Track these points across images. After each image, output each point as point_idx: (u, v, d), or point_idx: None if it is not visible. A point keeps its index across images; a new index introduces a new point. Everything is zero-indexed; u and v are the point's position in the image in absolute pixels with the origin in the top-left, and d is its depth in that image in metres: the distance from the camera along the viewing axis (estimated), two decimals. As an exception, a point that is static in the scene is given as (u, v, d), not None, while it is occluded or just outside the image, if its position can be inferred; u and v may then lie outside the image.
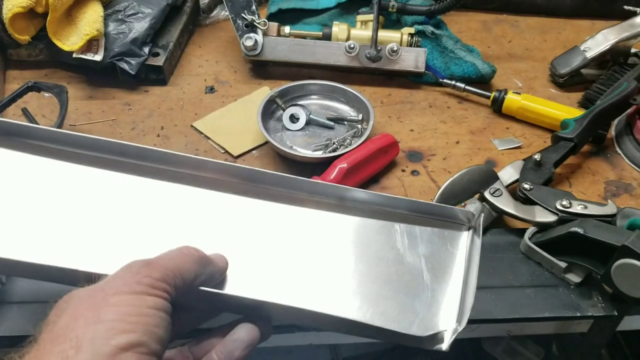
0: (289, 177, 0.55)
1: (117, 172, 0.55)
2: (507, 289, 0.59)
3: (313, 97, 0.80)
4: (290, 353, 1.19)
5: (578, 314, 0.58)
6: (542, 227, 0.63)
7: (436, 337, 0.47)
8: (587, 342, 0.63)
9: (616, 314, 0.58)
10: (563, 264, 0.60)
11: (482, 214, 0.55)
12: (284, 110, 0.76)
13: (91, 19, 0.81)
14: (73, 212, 0.52)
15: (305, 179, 0.56)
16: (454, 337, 0.47)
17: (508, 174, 0.68)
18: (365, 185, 0.71)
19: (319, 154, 0.72)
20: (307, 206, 0.56)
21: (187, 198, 0.55)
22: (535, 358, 0.71)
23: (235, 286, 0.47)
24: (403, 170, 0.73)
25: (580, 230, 0.57)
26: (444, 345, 0.47)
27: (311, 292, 0.50)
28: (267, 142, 0.74)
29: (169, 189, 0.55)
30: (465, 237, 0.56)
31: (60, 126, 0.72)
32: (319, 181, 0.57)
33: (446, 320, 0.49)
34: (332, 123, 0.76)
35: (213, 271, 0.44)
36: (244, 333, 0.43)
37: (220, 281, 0.47)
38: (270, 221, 0.55)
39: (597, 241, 0.56)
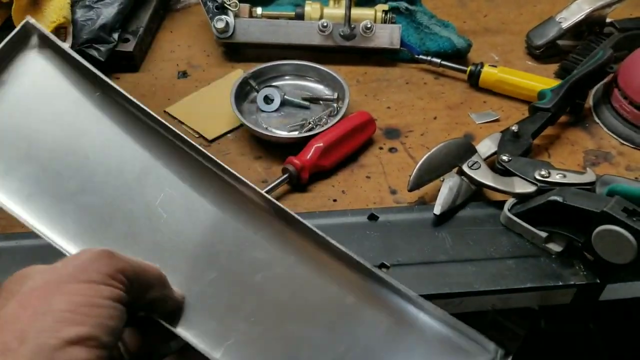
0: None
1: None
2: (488, 261, 0.59)
3: (287, 77, 0.78)
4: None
5: (560, 283, 0.57)
6: (522, 198, 0.62)
7: None
8: (571, 313, 0.63)
9: (598, 281, 0.58)
10: (543, 234, 0.59)
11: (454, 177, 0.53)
12: (257, 92, 0.75)
13: (58, 6, 0.79)
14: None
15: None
16: None
17: (486, 146, 0.68)
18: (343, 163, 0.70)
19: (294, 134, 0.71)
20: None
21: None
22: (520, 331, 0.71)
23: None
24: (381, 148, 0.72)
25: (559, 199, 0.57)
26: None
27: None
28: (242, 125, 0.72)
29: None
30: None
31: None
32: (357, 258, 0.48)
33: None
34: (307, 103, 0.75)
35: (169, 295, 0.41)
36: None
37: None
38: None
39: (576, 209, 0.56)
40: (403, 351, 0.47)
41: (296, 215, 0.48)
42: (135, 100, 0.50)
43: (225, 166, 0.48)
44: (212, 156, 0.49)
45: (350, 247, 0.49)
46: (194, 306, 0.44)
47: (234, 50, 0.85)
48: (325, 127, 0.69)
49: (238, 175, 0.48)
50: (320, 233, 0.48)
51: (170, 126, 0.49)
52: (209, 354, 0.42)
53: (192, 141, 0.49)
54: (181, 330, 0.42)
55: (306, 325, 0.46)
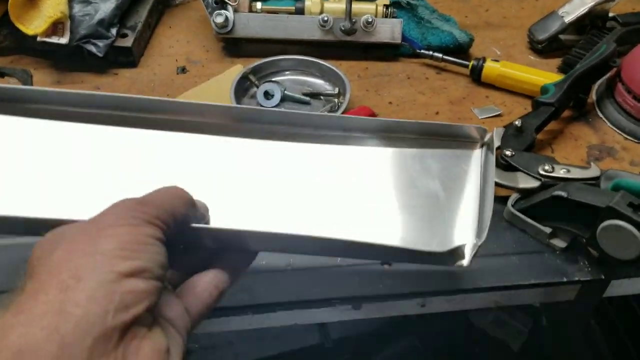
0: (287, 112, 0.54)
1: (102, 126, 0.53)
2: (491, 257, 0.58)
3: (287, 72, 0.77)
4: (277, 338, 1.18)
5: (564, 279, 0.56)
6: (525, 193, 0.61)
7: (456, 253, 0.46)
8: (574, 310, 0.62)
9: (603, 277, 0.57)
10: (548, 230, 0.58)
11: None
12: (257, 87, 0.74)
13: (55, 1, 0.77)
14: (68, 168, 0.51)
15: (303, 112, 0.54)
16: (474, 252, 0.46)
17: (489, 141, 0.67)
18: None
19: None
20: (311, 142, 0.54)
21: (181, 145, 0.53)
22: (523, 328, 0.70)
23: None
24: (382, 143, 0.71)
25: (563, 194, 0.56)
26: (465, 261, 0.46)
27: (324, 221, 0.49)
28: (242, 121, 0.72)
29: (164, 138, 0.53)
30: (478, 154, 0.54)
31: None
32: (317, 113, 0.54)
33: (465, 237, 0.48)
34: (307, 98, 0.74)
35: (197, 216, 0.42)
36: (209, 278, 0.41)
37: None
38: (272, 160, 0.53)
39: (581, 204, 0.55)
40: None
41: None
42: None
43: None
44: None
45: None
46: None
47: (233, 46, 0.85)
48: (326, 122, 0.68)
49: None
50: None
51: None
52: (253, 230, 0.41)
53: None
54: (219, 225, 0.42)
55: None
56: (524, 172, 0.62)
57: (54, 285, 0.31)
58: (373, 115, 0.71)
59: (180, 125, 0.54)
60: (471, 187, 0.52)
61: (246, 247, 0.44)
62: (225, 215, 0.46)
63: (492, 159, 0.52)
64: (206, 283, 0.40)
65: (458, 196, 0.52)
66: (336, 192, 0.52)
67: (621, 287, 0.63)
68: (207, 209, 0.45)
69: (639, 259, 0.53)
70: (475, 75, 0.78)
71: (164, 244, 0.36)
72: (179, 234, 0.39)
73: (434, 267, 0.49)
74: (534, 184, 0.61)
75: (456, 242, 0.47)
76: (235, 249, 0.44)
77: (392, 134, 0.54)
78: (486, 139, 0.54)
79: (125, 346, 0.31)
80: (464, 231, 0.49)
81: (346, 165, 0.53)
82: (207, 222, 0.44)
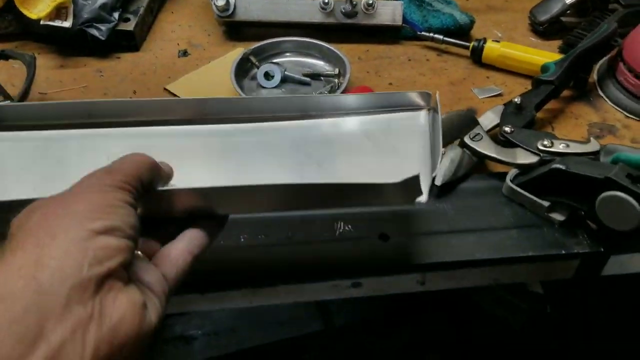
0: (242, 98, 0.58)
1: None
2: (489, 231, 0.58)
3: (288, 54, 0.78)
4: (281, 324, 1.18)
5: (563, 252, 0.56)
6: (524, 168, 0.61)
7: (412, 188, 0.44)
8: (574, 288, 0.62)
9: (602, 250, 0.57)
10: (546, 203, 0.58)
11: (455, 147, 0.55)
12: (258, 68, 0.74)
13: (58, -14, 0.78)
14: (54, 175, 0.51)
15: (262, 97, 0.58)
16: (429, 187, 0.46)
17: (488, 119, 0.67)
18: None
19: (295, 109, 0.70)
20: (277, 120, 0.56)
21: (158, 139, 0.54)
22: (523, 306, 0.70)
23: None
24: (382, 123, 0.71)
25: (562, 167, 0.56)
26: (423, 197, 0.45)
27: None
28: (242, 101, 0.72)
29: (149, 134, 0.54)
30: (425, 115, 0.57)
31: (26, 93, 0.71)
32: (277, 97, 0.57)
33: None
34: (308, 79, 0.74)
35: (164, 177, 0.44)
36: (188, 237, 0.43)
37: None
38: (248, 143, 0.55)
39: (579, 176, 0.55)
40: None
41: None
42: None
43: None
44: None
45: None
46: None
47: (234, 29, 0.85)
48: (326, 101, 0.69)
49: None
50: None
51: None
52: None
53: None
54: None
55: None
56: (523, 148, 0.62)
57: (30, 243, 0.33)
58: (373, 95, 0.71)
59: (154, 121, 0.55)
60: (423, 144, 0.54)
61: (214, 210, 0.45)
62: None
63: (439, 118, 0.53)
64: (179, 250, 0.42)
65: (411, 152, 0.53)
66: (298, 167, 0.53)
67: (621, 265, 0.63)
68: (172, 171, 0.46)
69: (637, 230, 0.53)
70: (476, 57, 0.78)
71: (133, 207, 0.37)
72: (149, 199, 0.40)
73: (432, 239, 0.49)
74: (533, 159, 0.61)
75: (415, 173, 0.44)
76: (205, 214, 0.45)
77: (342, 110, 0.56)
78: (432, 103, 0.56)
79: (103, 297, 0.33)
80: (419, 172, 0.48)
81: (300, 141, 0.55)
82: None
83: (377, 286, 0.62)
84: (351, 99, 0.56)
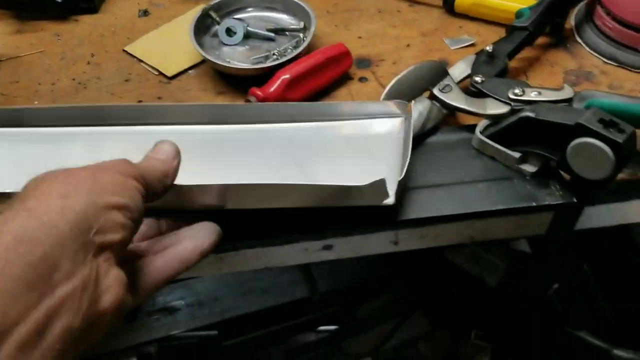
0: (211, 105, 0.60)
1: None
2: (458, 185, 0.56)
3: (251, 9, 0.74)
4: (265, 292, 1.17)
5: (534, 204, 0.54)
6: (495, 119, 0.58)
7: (379, 190, 0.49)
8: (549, 241, 0.60)
9: (575, 200, 0.55)
10: (517, 154, 0.56)
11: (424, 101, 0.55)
12: (219, 25, 0.71)
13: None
14: None
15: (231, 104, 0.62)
16: (397, 188, 0.50)
17: (460, 69, 0.64)
18: (315, 97, 0.66)
19: (259, 66, 0.67)
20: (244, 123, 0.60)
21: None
22: (499, 262, 0.68)
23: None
24: (351, 78, 0.68)
25: (532, 115, 0.53)
26: (390, 199, 0.50)
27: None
28: (204, 61, 0.69)
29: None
30: (399, 122, 0.59)
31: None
32: (242, 105, 0.60)
33: (389, 177, 0.50)
34: (272, 34, 0.71)
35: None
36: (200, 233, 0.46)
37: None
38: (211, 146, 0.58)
39: (550, 123, 0.52)
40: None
41: None
42: None
43: None
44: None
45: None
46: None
47: (198, -14, 0.81)
48: (291, 56, 0.65)
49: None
50: None
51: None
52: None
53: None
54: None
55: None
56: (494, 98, 0.59)
57: (56, 191, 0.34)
58: (346, 52, 0.67)
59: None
60: (397, 149, 0.56)
61: (224, 206, 0.49)
62: None
63: (411, 123, 0.56)
64: (187, 251, 0.44)
65: (384, 157, 0.56)
66: (280, 168, 0.56)
67: (596, 218, 0.61)
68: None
69: (610, 179, 0.51)
70: (448, 6, 0.74)
71: (143, 197, 0.40)
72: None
73: None
74: (504, 109, 0.58)
75: (381, 178, 0.49)
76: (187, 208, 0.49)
77: (319, 117, 0.60)
78: (408, 112, 0.58)
79: (99, 263, 0.34)
80: (387, 175, 0.52)
81: (294, 142, 0.59)
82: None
83: (348, 248, 0.60)
84: (335, 108, 0.60)
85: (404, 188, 0.52)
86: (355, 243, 0.59)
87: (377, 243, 0.60)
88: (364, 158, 0.57)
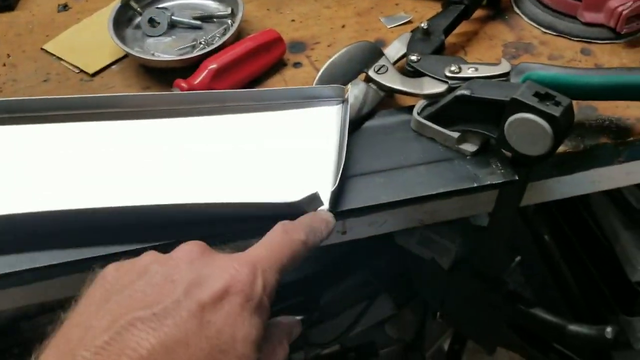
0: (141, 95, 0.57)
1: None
2: (397, 170, 0.53)
3: (176, -4, 0.70)
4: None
5: (475, 185, 0.52)
6: (432, 98, 0.56)
7: (314, 201, 0.48)
8: (496, 219, 0.58)
9: (517, 178, 0.53)
10: (455, 134, 0.54)
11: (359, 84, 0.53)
12: (141, 15, 0.67)
13: None
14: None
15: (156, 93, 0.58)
16: (331, 198, 0.49)
17: (395, 49, 0.61)
18: (247, 85, 0.63)
19: (184, 56, 0.63)
20: (178, 116, 0.57)
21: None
22: (450, 244, 0.67)
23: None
24: (285, 64, 0.65)
25: (467, 92, 0.51)
26: (325, 207, 0.49)
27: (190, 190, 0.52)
28: (128, 55, 0.65)
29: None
30: (335, 110, 0.57)
31: None
32: (169, 94, 0.57)
33: (324, 186, 0.50)
34: (198, 22, 0.67)
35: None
36: None
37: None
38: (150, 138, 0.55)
39: (485, 100, 0.50)
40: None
41: None
42: None
43: None
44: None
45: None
46: None
47: (120, -24, 0.76)
48: (217, 44, 0.62)
49: None
50: None
51: None
52: None
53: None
54: None
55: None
56: (431, 77, 0.57)
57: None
58: (278, 38, 0.64)
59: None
60: (335, 139, 0.55)
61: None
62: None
63: (347, 112, 0.54)
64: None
65: (323, 150, 0.54)
66: (213, 161, 0.54)
67: (539, 194, 0.60)
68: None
69: (550, 154, 0.49)
70: (383, -18, 0.72)
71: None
72: None
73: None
74: (441, 87, 0.56)
75: (314, 192, 0.47)
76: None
77: (250, 103, 0.57)
78: (345, 96, 0.56)
79: None
80: (325, 180, 0.52)
81: (219, 135, 0.56)
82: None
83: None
84: (267, 94, 0.57)
85: (337, 194, 0.50)
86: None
87: (323, 234, 0.57)
88: (299, 156, 0.54)
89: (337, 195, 0.50)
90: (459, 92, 0.52)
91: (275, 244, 0.39)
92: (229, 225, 0.50)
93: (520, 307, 0.64)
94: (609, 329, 0.58)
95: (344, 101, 0.56)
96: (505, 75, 0.55)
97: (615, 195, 0.99)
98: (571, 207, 1.08)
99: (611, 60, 0.63)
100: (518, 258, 0.83)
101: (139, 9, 0.67)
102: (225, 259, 0.36)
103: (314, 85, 0.58)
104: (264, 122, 0.57)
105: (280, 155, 0.54)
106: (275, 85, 0.63)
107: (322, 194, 0.49)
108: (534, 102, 0.47)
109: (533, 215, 1.19)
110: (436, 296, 0.71)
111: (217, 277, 0.34)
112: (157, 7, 0.67)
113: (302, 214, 0.47)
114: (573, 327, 0.61)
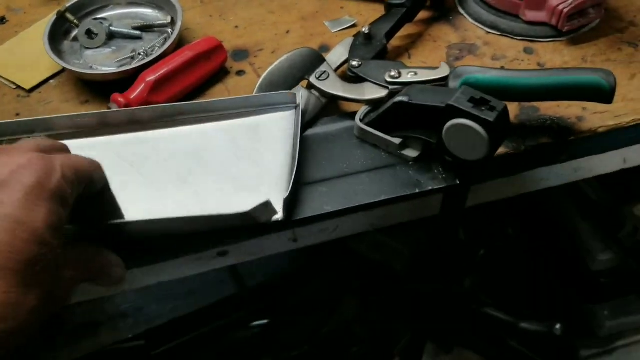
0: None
1: None
2: (340, 179, 0.53)
3: (114, 6, 0.68)
4: (191, 294, 1.13)
5: (417, 191, 0.52)
6: (374, 104, 0.56)
7: (268, 210, 0.48)
8: (442, 222, 0.58)
9: (459, 182, 0.53)
10: (397, 140, 0.53)
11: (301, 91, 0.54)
12: (78, 27, 0.65)
13: None
14: None
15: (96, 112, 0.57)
16: (284, 205, 0.49)
17: (337, 54, 0.61)
18: (187, 97, 0.62)
19: (122, 69, 0.62)
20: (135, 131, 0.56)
21: None
22: (402, 247, 0.67)
23: None
24: (227, 73, 0.64)
25: (404, 99, 0.51)
26: (279, 216, 0.49)
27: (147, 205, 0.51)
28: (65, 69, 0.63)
29: None
30: (289, 116, 0.56)
31: None
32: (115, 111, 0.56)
33: (277, 194, 0.50)
34: (138, 32, 0.66)
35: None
36: None
37: None
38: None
39: (423, 107, 0.50)
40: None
41: None
42: None
43: None
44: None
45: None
46: None
47: (59, -15, 0.74)
48: (156, 55, 0.61)
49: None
50: None
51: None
52: None
53: None
54: None
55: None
56: (372, 82, 0.56)
57: None
58: (219, 47, 0.63)
59: None
60: (286, 146, 0.54)
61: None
62: None
63: (300, 117, 0.54)
64: None
65: (275, 157, 0.54)
66: (164, 175, 0.53)
67: (483, 195, 0.60)
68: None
69: (488, 158, 0.49)
70: (327, -15, 0.71)
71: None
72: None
73: None
74: (382, 93, 0.56)
75: (265, 200, 0.48)
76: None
77: (201, 114, 0.57)
78: (297, 102, 0.56)
79: None
80: (278, 188, 0.52)
81: (168, 148, 0.55)
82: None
83: (245, 251, 0.56)
84: (218, 104, 0.57)
85: (290, 201, 0.50)
86: (251, 247, 0.56)
87: (274, 243, 0.57)
88: (252, 164, 0.54)
89: (290, 203, 0.50)
90: (397, 99, 0.51)
91: (73, 156, 0.44)
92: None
93: (474, 307, 0.64)
94: (558, 326, 0.58)
95: (296, 107, 0.56)
96: (444, 79, 0.54)
97: (572, 188, 1.00)
98: (532, 201, 1.09)
99: (554, 58, 0.63)
100: (482, 251, 0.83)
101: (75, 21, 0.65)
102: (29, 153, 0.40)
103: (254, 93, 0.57)
104: (215, 132, 0.56)
105: (233, 164, 0.54)
106: (217, 94, 0.62)
107: (275, 202, 0.48)
108: (468, 107, 0.47)
109: (497, 209, 1.20)
110: (394, 298, 0.71)
111: (9, 163, 0.38)
112: (95, 18, 0.66)
113: (256, 223, 0.48)
114: (524, 325, 0.61)
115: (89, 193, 0.45)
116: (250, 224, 0.49)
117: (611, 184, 0.97)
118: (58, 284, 0.40)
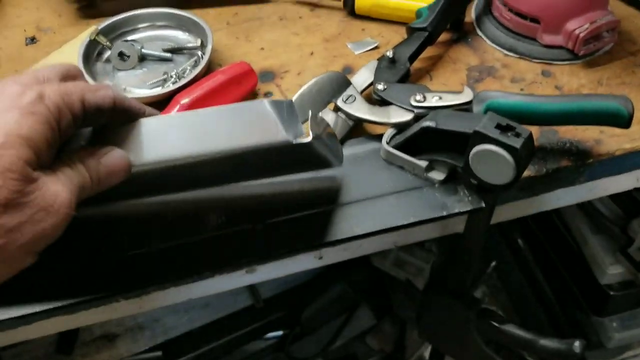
0: None
1: None
2: (368, 201, 0.55)
3: (145, 29, 0.70)
4: (207, 306, 1.14)
5: (444, 213, 0.54)
6: (400, 127, 0.58)
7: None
8: (466, 241, 0.60)
9: (484, 205, 0.55)
10: (424, 163, 0.55)
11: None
12: (110, 49, 0.67)
13: None
14: None
15: None
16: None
17: (362, 77, 0.63)
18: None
19: (156, 91, 0.64)
20: None
21: None
22: (424, 264, 0.68)
23: None
24: (256, 95, 0.66)
25: (431, 124, 0.53)
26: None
27: None
28: (98, 89, 0.65)
29: None
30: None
31: None
32: None
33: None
34: (169, 55, 0.68)
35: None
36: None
37: None
38: None
39: (449, 132, 0.52)
40: None
41: None
42: None
43: None
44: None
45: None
46: None
47: (88, 6, 0.76)
48: (189, 78, 0.63)
49: None
50: None
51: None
52: None
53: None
54: None
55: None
56: (397, 106, 0.58)
57: None
58: (250, 71, 0.64)
59: None
60: None
61: None
62: None
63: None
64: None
65: None
66: None
67: (505, 214, 0.62)
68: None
69: (513, 182, 0.51)
70: (349, 8, 0.73)
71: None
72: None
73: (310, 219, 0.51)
74: (408, 116, 0.57)
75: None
76: None
77: None
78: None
79: None
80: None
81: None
82: None
83: (272, 269, 0.58)
84: None
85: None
86: (278, 265, 0.58)
87: (301, 261, 0.58)
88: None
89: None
90: (424, 124, 0.53)
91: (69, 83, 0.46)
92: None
93: (493, 324, 0.66)
94: (577, 344, 0.60)
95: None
96: (468, 103, 0.56)
97: (583, 203, 1.02)
98: (543, 214, 1.11)
99: (571, 81, 0.65)
100: (493, 263, 0.85)
101: (107, 43, 0.67)
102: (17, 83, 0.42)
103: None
104: None
105: None
106: (246, 116, 0.64)
107: None
108: (495, 134, 0.49)
109: (507, 222, 1.22)
110: (413, 314, 0.72)
111: None
112: (126, 40, 0.68)
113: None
114: (543, 342, 0.63)
115: (97, 116, 0.46)
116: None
117: (621, 199, 0.99)
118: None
